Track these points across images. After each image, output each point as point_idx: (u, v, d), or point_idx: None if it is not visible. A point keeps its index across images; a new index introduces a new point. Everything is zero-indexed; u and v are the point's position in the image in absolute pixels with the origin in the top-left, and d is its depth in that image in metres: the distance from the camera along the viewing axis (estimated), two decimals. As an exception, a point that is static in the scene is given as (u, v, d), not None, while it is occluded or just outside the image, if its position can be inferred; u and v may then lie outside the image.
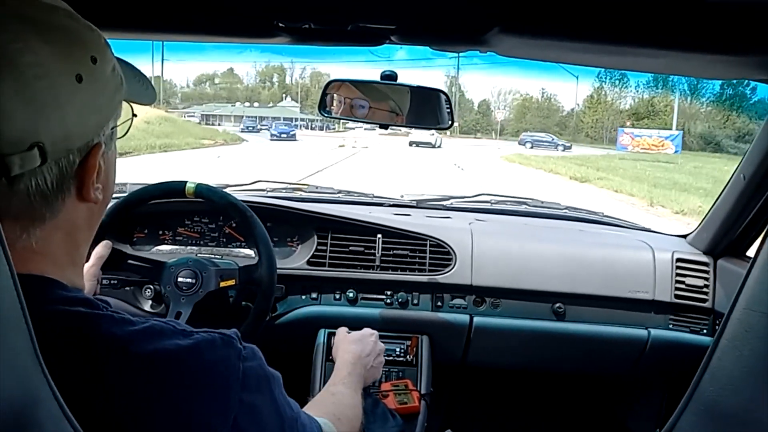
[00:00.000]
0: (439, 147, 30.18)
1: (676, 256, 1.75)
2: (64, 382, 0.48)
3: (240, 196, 1.52)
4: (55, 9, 0.57)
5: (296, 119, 47.71)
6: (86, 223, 0.65)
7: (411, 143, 29.64)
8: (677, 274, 1.73)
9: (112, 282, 1.56)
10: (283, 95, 60.70)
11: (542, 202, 2.18)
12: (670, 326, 1.73)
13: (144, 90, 0.75)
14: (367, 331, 1.43)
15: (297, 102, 56.86)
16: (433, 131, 26.65)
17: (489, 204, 2.17)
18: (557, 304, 1.72)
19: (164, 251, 1.75)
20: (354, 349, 1.32)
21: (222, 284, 1.44)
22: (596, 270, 1.74)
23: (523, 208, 2.14)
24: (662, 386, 1.96)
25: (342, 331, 1.45)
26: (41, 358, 0.43)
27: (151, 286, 1.56)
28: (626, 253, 1.78)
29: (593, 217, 2.10)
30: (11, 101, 0.51)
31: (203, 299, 1.41)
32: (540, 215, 2.09)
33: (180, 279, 1.41)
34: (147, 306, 1.56)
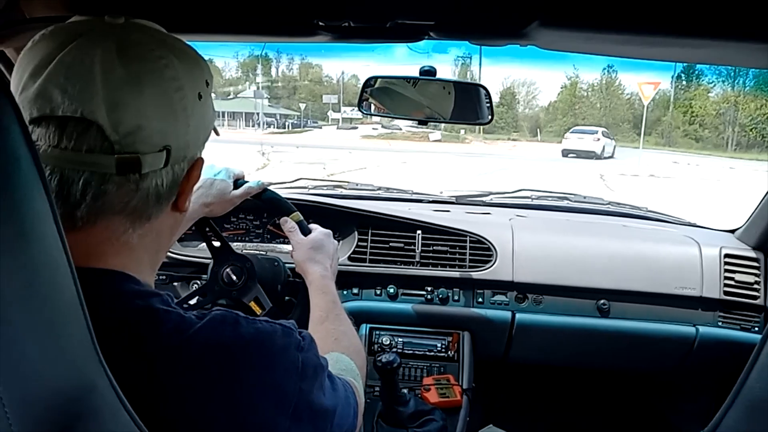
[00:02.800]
0: (609, 157, 21.78)
1: (724, 251, 1.70)
2: (130, 369, 0.51)
3: (283, 193, 1.55)
4: (177, 37, 0.67)
5: (258, 115, 36.58)
6: (170, 231, 0.72)
7: (565, 152, 21.55)
8: (726, 270, 1.68)
9: (161, 278, 1.62)
10: (249, 84, 44.25)
11: (584, 198, 2.15)
12: (719, 323, 1.68)
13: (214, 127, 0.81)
14: (321, 231, 1.29)
15: (265, 93, 40.80)
16: (598, 134, 22.04)
17: (530, 199, 2.15)
18: (601, 301, 1.69)
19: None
20: (321, 259, 1.22)
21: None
22: (641, 266, 1.71)
23: (564, 203, 2.11)
24: (711, 385, 1.91)
25: (296, 235, 1.28)
26: (98, 348, 0.45)
27: (198, 281, 1.61)
28: (672, 248, 1.74)
29: (637, 212, 2.06)
30: (154, 107, 0.60)
31: (248, 294, 1.44)
32: (582, 210, 2.06)
33: (227, 273, 1.44)
34: (193, 301, 1.61)
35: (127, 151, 0.59)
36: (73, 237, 0.60)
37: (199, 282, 1.61)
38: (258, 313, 1.35)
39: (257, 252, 1.71)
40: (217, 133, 0.81)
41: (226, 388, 0.59)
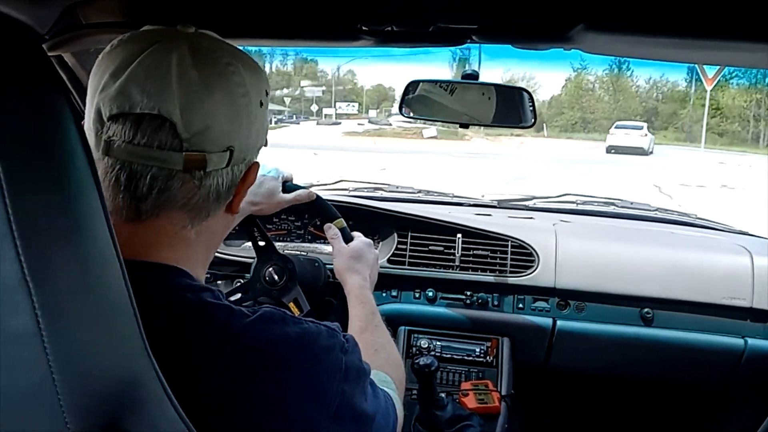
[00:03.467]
0: (651, 153, 21.09)
1: None
2: (178, 361, 0.53)
3: (323, 195, 1.56)
4: (243, 50, 0.71)
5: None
6: (223, 231, 0.76)
7: (610, 149, 20.72)
8: None
9: (205, 276, 1.65)
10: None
11: (631, 203, 2.10)
12: None
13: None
14: (363, 240, 1.30)
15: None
16: (644, 129, 21.69)
17: (574, 204, 2.12)
18: (645, 309, 1.65)
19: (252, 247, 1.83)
20: (361, 268, 1.23)
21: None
22: (689, 274, 1.66)
23: (611, 209, 2.07)
24: (760, 399, 1.84)
25: (339, 242, 1.30)
26: (146, 342, 0.47)
27: (241, 280, 1.64)
28: (722, 257, 1.68)
29: (686, 219, 2.00)
30: (222, 109, 0.64)
31: (287, 294, 1.46)
32: (629, 216, 2.02)
33: (269, 273, 1.47)
34: (234, 298, 1.64)
35: (194, 149, 0.62)
36: (135, 228, 0.64)
37: (242, 280, 1.64)
38: (296, 315, 1.37)
39: (298, 252, 1.73)
40: (265, 144, 0.84)
41: (271, 384, 0.60)
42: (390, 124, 28.97)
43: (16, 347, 0.36)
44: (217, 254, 1.72)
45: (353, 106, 36.45)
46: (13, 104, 0.36)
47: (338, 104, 36.40)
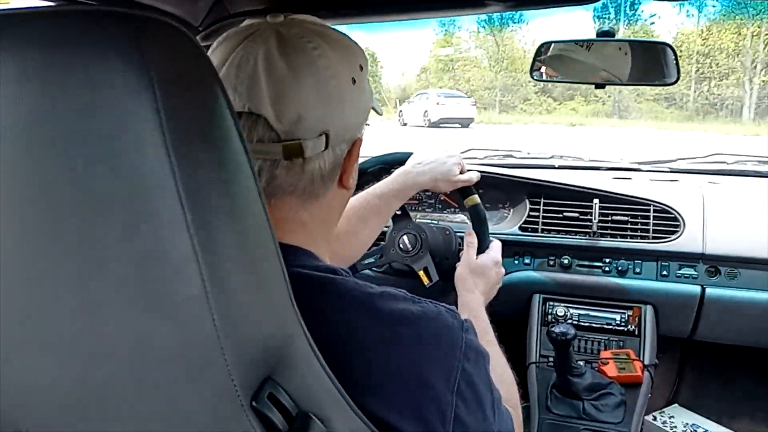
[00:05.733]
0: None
1: None
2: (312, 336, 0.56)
3: None
4: (333, 28, 0.71)
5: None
6: (339, 206, 0.77)
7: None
8: None
9: None
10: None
11: None
12: None
13: (377, 106, 0.85)
14: (492, 258, 1.27)
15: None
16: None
17: (725, 164, 1.95)
18: None
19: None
20: (479, 284, 1.21)
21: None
22: None
23: (767, 168, 1.88)
24: None
25: (470, 251, 1.28)
26: (296, 305, 0.50)
27: (375, 246, 1.71)
28: None
29: None
30: (312, 96, 0.64)
31: (419, 262, 1.50)
32: None
33: (403, 240, 1.52)
34: (368, 261, 1.71)
35: (291, 138, 0.64)
36: None
37: (376, 246, 1.71)
38: (425, 284, 1.41)
39: (429, 221, 1.77)
40: (379, 113, 0.85)
41: (397, 356, 0.61)
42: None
43: (188, 311, 0.40)
44: None
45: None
46: (178, 96, 0.40)
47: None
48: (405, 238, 1.51)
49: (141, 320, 0.40)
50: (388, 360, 0.61)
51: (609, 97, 22.74)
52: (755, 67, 22.04)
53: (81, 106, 0.37)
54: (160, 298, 0.39)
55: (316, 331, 0.53)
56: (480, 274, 1.23)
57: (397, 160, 1.59)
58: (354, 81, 0.69)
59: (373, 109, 0.79)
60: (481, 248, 1.30)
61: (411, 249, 1.50)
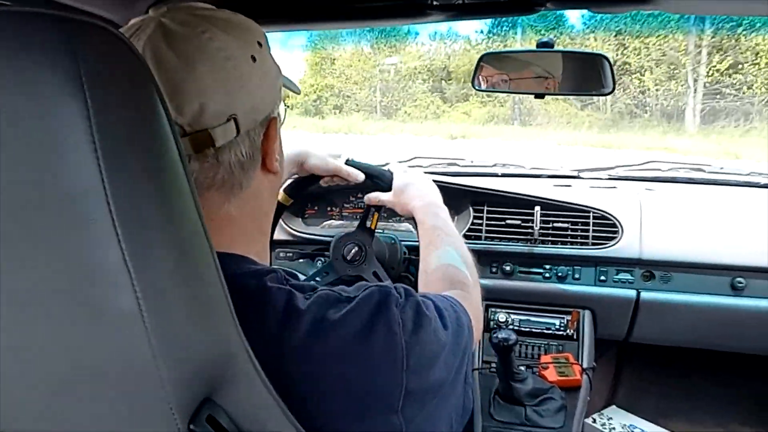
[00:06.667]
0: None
1: None
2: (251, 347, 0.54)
3: None
4: (221, 9, 0.68)
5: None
6: (269, 193, 0.74)
7: None
8: None
9: (288, 254, 1.73)
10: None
11: (721, 168, 1.98)
12: None
13: (290, 83, 0.82)
14: (398, 173, 1.30)
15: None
16: None
17: (660, 171, 2.02)
18: (737, 279, 1.57)
19: (333, 226, 1.89)
20: (413, 193, 1.23)
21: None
22: None
23: (699, 175, 1.95)
24: None
25: (385, 195, 1.30)
26: (237, 319, 0.49)
27: (322, 258, 1.70)
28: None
29: (784, 182, 1.86)
30: (210, 82, 0.61)
31: (367, 271, 1.50)
32: (719, 183, 1.90)
33: (347, 250, 1.51)
34: (318, 276, 1.70)
35: (196, 129, 0.61)
36: None
37: (322, 258, 1.70)
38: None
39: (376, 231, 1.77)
40: (296, 91, 0.82)
41: (342, 363, 0.60)
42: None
43: (121, 327, 0.39)
44: (299, 234, 1.79)
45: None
46: (111, 101, 0.39)
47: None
48: (349, 248, 1.50)
49: (74, 334, 0.38)
50: (329, 367, 0.60)
51: (508, 96, 15.61)
52: (699, 52, 15.79)
53: (10, 110, 0.36)
54: (93, 312, 0.38)
55: (256, 345, 0.51)
56: (404, 187, 1.25)
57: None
58: (254, 59, 0.66)
59: (287, 87, 0.76)
60: (383, 185, 1.31)
61: (357, 258, 1.50)
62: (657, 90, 16.34)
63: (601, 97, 14.40)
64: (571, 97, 15.20)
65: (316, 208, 1.94)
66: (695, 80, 15.77)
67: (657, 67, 16.35)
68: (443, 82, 19.42)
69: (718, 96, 15.39)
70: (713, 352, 1.80)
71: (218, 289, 0.46)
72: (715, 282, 1.59)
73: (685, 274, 1.61)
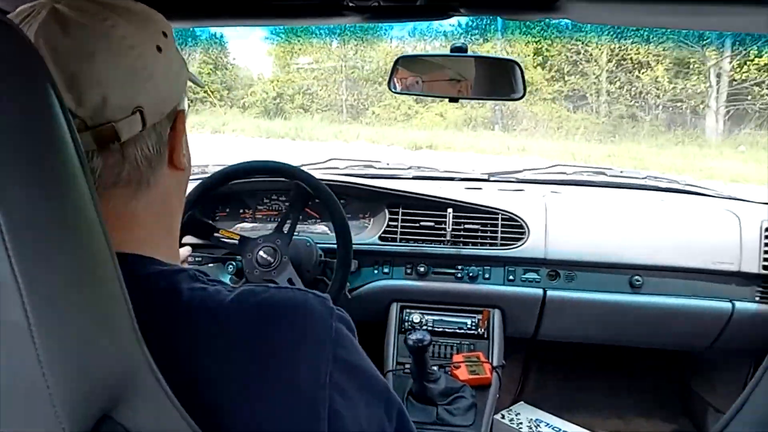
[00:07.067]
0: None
1: (765, 224, 1.65)
2: (162, 352, 0.50)
3: (315, 173, 1.57)
4: None
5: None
6: (177, 191, 0.70)
7: None
8: (766, 244, 1.64)
9: (197, 259, 1.67)
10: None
11: (621, 172, 2.10)
12: (757, 299, 1.64)
13: (195, 77, 0.79)
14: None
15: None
16: None
17: (564, 175, 2.12)
18: (635, 276, 1.67)
19: (246, 228, 1.84)
20: None
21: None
22: (677, 241, 1.68)
23: (600, 178, 2.07)
24: (748, 361, 1.87)
25: None
26: (139, 332, 0.46)
27: (234, 263, 1.65)
28: (710, 222, 1.70)
29: (675, 185, 2.00)
30: (112, 72, 0.57)
31: (281, 275, 1.47)
32: (619, 185, 2.02)
33: (260, 255, 1.48)
34: (227, 280, 1.65)
35: (99, 123, 0.57)
36: None
37: (233, 263, 1.65)
38: None
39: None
40: (200, 85, 0.80)
41: (258, 357, 0.57)
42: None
43: (10, 339, 0.36)
44: None
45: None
46: (1, 97, 0.36)
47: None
48: (263, 252, 1.47)
49: None
50: (250, 370, 0.56)
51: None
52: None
53: None
54: None
55: (165, 352, 0.49)
56: None
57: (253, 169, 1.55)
58: (159, 49, 0.62)
59: (191, 80, 0.73)
60: None
61: (272, 261, 1.47)
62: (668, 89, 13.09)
63: (597, 99, 13.45)
64: (561, 98, 14.02)
65: (227, 209, 1.88)
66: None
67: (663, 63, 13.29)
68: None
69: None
70: (612, 347, 1.91)
71: (118, 297, 0.44)
72: (615, 280, 1.68)
73: (587, 273, 1.70)
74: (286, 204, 1.85)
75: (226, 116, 15.54)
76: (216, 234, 1.53)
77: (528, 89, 1.50)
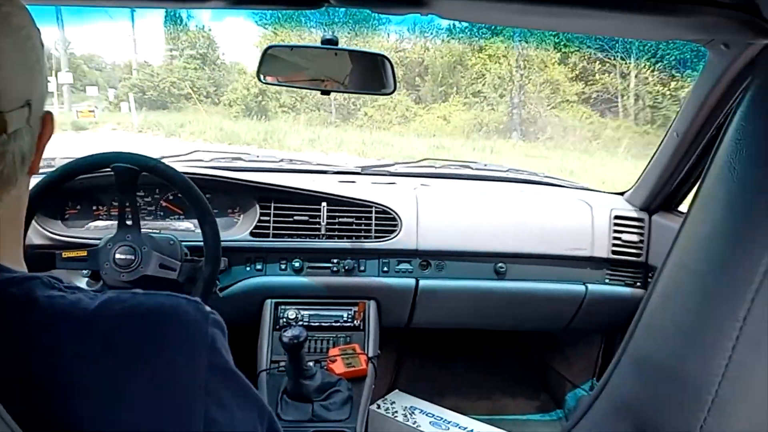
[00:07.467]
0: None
1: (614, 213, 1.81)
2: (14, 363, 0.47)
3: (177, 166, 1.47)
4: None
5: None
6: (26, 195, 0.64)
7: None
8: (614, 231, 1.80)
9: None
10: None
11: (485, 165, 2.20)
12: (606, 281, 1.80)
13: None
14: None
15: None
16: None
17: (433, 168, 2.18)
18: (499, 264, 1.76)
19: (99, 227, 1.69)
20: None
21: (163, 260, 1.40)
22: (536, 229, 1.79)
23: (466, 171, 2.15)
24: (599, 338, 2.05)
25: None
26: None
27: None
28: (566, 211, 1.83)
29: (535, 178, 2.14)
30: (13, 59, 0.54)
31: (143, 275, 1.37)
32: (483, 178, 2.11)
33: (118, 256, 1.36)
34: (83, 284, 1.51)
35: None
36: None
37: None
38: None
39: (150, 230, 1.62)
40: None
41: (127, 366, 0.53)
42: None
43: None
44: (58, 237, 1.57)
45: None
46: None
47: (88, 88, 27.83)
48: (118, 254, 1.35)
49: None
50: (120, 378, 0.52)
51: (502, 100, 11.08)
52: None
53: None
54: None
55: (19, 363, 0.45)
56: None
57: (99, 162, 1.41)
58: (42, 44, 0.60)
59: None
60: None
61: (134, 259, 1.36)
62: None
63: (630, 99, 11.41)
64: (588, 103, 11.39)
65: (78, 207, 1.72)
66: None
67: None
68: (417, 78, 14.18)
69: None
70: (478, 332, 2.00)
71: None
72: (481, 268, 1.77)
73: (456, 262, 1.77)
74: (145, 199, 1.72)
75: (205, 115, 13.15)
76: (61, 259, 1.38)
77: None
